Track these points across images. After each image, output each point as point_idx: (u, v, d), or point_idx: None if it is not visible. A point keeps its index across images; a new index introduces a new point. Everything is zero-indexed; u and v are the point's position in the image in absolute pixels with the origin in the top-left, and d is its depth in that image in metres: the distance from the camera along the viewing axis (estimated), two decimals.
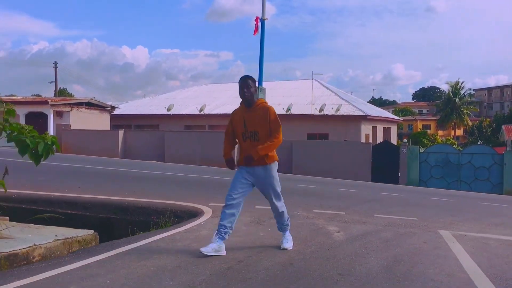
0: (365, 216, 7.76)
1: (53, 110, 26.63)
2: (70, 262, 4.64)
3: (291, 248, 5.14)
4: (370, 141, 29.64)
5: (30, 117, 26.91)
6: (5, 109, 5.97)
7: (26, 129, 6.01)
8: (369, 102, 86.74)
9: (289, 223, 5.38)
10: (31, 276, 4.07)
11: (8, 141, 5.92)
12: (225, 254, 4.77)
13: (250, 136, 5.04)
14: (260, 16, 16.23)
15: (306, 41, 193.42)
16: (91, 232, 6.51)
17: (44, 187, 9.05)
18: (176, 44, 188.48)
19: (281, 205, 5.24)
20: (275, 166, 5.18)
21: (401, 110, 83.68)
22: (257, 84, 5.58)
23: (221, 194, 9.63)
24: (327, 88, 34.98)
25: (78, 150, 24.45)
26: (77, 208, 8.09)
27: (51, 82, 43.84)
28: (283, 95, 33.74)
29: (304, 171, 21.73)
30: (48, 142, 5.95)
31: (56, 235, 6.03)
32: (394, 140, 36.02)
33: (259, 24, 16.13)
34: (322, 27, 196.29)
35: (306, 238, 5.76)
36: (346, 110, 30.08)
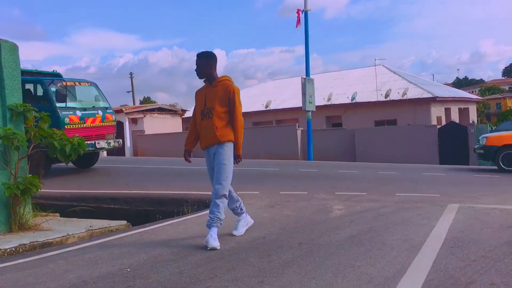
0: (384, 195, 7.88)
1: (128, 118, 28.57)
2: (89, 241, 5.44)
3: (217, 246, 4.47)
4: (443, 123, 28.62)
5: None
6: (40, 117, 6.92)
7: (57, 134, 6.93)
8: (453, 83, 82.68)
9: (216, 219, 4.59)
10: (60, 249, 4.97)
11: (42, 144, 6.85)
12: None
13: (207, 113, 4.78)
14: (302, 8, 16.46)
15: (383, 26, 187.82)
16: (123, 222, 7.27)
17: (96, 186, 10.03)
18: (252, 44, 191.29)
19: (220, 192, 4.64)
20: (229, 145, 4.77)
21: (488, 88, 79.09)
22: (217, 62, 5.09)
23: (255, 183, 10.14)
24: (395, 72, 34.13)
25: (152, 153, 26.05)
26: (119, 203, 8.98)
27: (128, 91, 46.46)
28: (348, 84, 33.48)
29: (368, 159, 21.56)
30: (75, 144, 6.81)
31: (90, 226, 6.80)
32: (474, 120, 34.35)
33: (302, 16, 16.34)
34: (399, 10, 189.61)
35: (303, 216, 6.11)
36: (414, 93, 29.26)
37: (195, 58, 4.90)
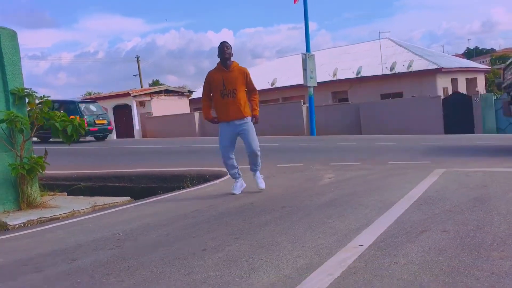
0: (377, 164, 8.15)
1: (136, 101, 28.95)
2: (91, 214, 5.82)
3: (264, 187, 6.09)
4: (450, 94, 28.56)
5: (117, 109, 29.52)
6: (43, 100, 7.26)
7: (58, 116, 7.25)
8: (464, 53, 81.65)
9: (260, 165, 6.23)
10: (61, 222, 5.34)
11: (45, 126, 7.18)
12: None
13: (228, 93, 5.78)
14: None
15: None
16: (127, 198, 7.64)
17: (102, 166, 10.41)
18: (259, 22, 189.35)
19: (257, 149, 6.00)
20: (250, 118, 5.99)
21: (498, 57, 78.08)
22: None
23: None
24: (400, 45, 33.95)
25: (160, 134, 26.45)
26: (124, 181, 9.37)
27: (135, 75, 46.76)
28: (354, 59, 33.39)
29: (374, 132, 21.74)
30: (76, 125, 7.13)
31: (95, 202, 7.16)
32: (483, 90, 34.13)
33: None
34: None
35: (293, 185, 6.42)
36: (419, 65, 29.17)
37: (219, 45, 5.81)
